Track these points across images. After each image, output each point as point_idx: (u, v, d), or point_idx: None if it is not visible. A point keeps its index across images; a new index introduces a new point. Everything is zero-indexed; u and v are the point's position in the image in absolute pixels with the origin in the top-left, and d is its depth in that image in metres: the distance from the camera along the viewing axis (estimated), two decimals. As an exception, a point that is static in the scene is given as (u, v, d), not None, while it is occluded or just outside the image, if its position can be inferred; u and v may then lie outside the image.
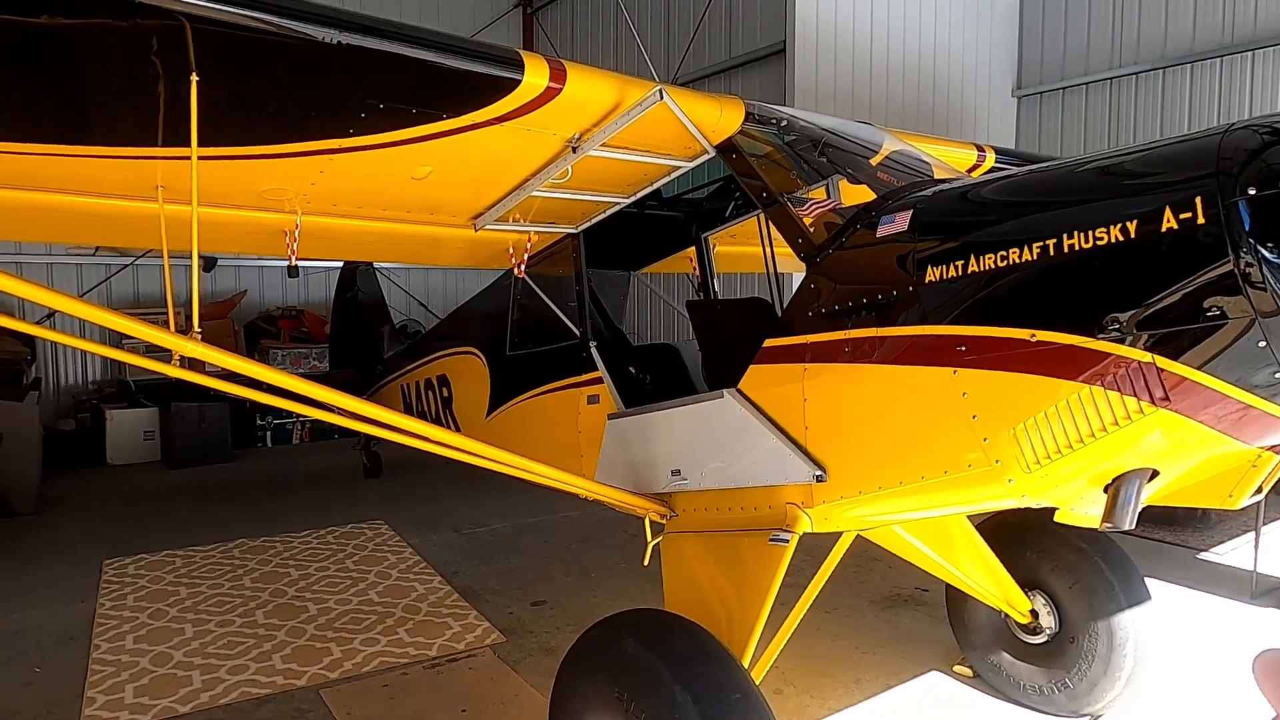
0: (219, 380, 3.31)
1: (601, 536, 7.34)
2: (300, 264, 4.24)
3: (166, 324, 2.92)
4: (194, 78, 2.64)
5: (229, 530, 7.67)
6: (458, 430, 5.52)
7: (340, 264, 10.55)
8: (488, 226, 4.40)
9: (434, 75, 2.91)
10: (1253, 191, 2.13)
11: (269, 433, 12.40)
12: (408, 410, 6.82)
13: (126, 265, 11.27)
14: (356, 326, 9.75)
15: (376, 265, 10.35)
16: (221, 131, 3.04)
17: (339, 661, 4.94)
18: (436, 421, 6.04)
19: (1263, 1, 9.19)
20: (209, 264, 12.05)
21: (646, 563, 3.92)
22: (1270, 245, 2.11)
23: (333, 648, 5.14)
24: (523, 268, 4.79)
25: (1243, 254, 2.12)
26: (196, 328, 2.80)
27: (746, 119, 3.64)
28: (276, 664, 4.91)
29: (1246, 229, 2.13)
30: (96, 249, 11.61)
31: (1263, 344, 2.16)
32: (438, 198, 4.12)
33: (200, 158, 2.86)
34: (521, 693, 4.56)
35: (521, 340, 5.18)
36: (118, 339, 9.26)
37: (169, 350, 2.85)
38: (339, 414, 3.44)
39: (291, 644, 5.20)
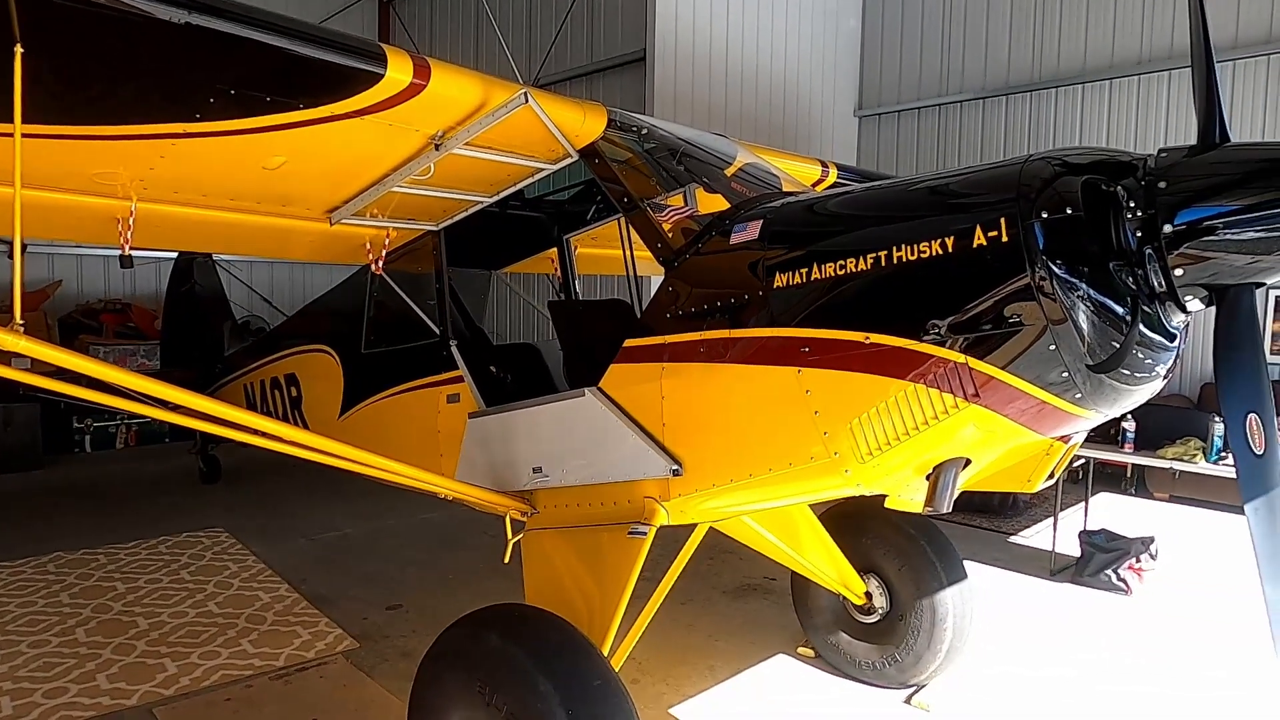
0: (39, 377, 3.04)
1: (461, 539, 7.25)
2: (134, 254, 3.98)
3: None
4: (18, 49, 2.45)
5: (42, 544, 6.99)
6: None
7: (174, 254, 9.82)
8: (344, 221, 4.29)
9: (291, 64, 2.82)
10: (1045, 215, 2.47)
11: (88, 436, 11.38)
12: (251, 411, 6.46)
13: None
14: (193, 322, 9.12)
15: (216, 257, 9.71)
16: (47, 109, 2.81)
17: (175, 678, 4.63)
18: (284, 422, 5.77)
19: (1063, 48, 10.73)
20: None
21: (507, 560, 3.94)
22: (1059, 262, 2.45)
23: (167, 663, 4.81)
24: (380, 264, 4.69)
25: (1037, 269, 2.45)
26: (19, 319, 2.59)
27: (609, 125, 3.74)
28: (102, 684, 4.55)
29: (1040, 247, 2.46)
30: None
31: (1053, 347, 2.49)
32: (291, 189, 3.97)
33: (23, 135, 2.64)
34: (377, 698, 4.46)
35: (378, 338, 5.06)
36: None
37: None
38: (181, 413, 3.25)
39: (119, 662, 4.83)
